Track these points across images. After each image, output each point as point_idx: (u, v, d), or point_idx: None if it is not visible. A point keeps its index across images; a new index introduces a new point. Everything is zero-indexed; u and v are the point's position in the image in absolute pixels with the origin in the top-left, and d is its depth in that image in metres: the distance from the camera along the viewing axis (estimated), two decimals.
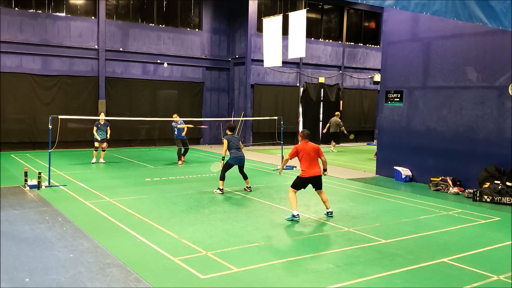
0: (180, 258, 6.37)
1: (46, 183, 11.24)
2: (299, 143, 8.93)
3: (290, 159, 8.85)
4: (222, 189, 11.05)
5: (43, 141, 18.27)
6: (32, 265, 5.97)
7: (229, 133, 11.36)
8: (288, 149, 22.39)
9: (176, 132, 15.98)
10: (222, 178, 11.08)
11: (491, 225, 8.74)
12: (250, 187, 11.38)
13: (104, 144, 15.61)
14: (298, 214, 8.61)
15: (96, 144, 15.48)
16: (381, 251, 6.94)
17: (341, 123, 21.77)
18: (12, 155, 17.07)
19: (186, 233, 7.55)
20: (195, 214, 8.92)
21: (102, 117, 15.45)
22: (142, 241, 7.12)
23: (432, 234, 7.94)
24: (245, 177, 11.36)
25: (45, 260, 6.15)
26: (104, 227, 7.91)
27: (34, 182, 10.93)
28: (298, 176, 8.84)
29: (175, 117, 16.04)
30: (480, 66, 11.78)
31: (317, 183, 8.86)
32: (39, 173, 10.96)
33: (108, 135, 15.71)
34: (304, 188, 8.89)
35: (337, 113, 22.53)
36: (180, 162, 16.04)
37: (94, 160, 15.64)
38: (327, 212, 8.95)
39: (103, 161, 15.70)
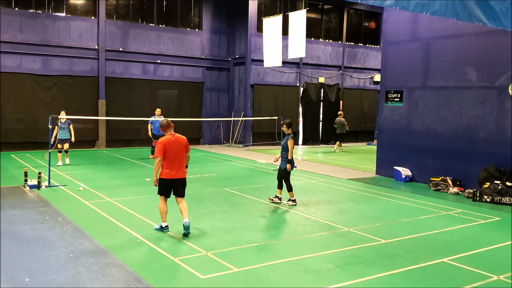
0: (180, 258, 6.38)
1: (46, 183, 11.23)
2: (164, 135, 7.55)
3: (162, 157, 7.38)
4: (295, 199, 9.95)
5: (43, 141, 18.27)
6: (32, 265, 5.96)
7: (288, 131, 9.91)
8: None
9: (152, 127, 16.53)
10: (291, 188, 9.87)
11: (491, 225, 8.74)
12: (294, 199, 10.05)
13: (66, 145, 14.53)
14: (167, 226, 7.58)
15: (59, 145, 14.35)
16: (381, 251, 6.94)
17: (345, 122, 21.76)
18: (12, 155, 17.07)
19: None
20: (195, 214, 8.91)
21: (62, 115, 14.27)
22: (142, 241, 7.12)
23: (432, 234, 7.94)
24: (286, 188, 9.97)
25: (45, 260, 6.15)
26: (104, 227, 7.91)
27: (34, 182, 10.93)
28: (160, 178, 7.47)
29: (158, 113, 16.45)
30: (480, 66, 11.78)
31: (180, 187, 7.58)
32: (39, 173, 10.96)
33: (73, 136, 14.64)
34: (169, 196, 7.56)
35: (339, 112, 22.50)
36: (152, 157, 16.71)
37: (59, 163, 14.42)
38: (184, 223, 7.41)
39: (67, 163, 14.72)
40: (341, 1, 24.88)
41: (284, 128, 10.05)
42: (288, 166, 9.67)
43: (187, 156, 7.72)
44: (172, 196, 7.59)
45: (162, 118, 16.47)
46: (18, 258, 6.22)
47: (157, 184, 7.52)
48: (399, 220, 8.90)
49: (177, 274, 5.83)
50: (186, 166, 7.73)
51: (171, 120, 7.87)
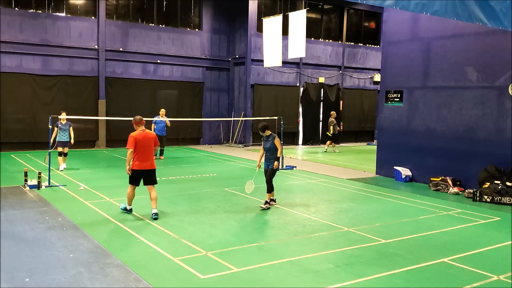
0: (180, 258, 6.38)
1: (46, 183, 11.23)
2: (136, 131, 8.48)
3: (133, 149, 8.33)
4: (274, 199, 9.90)
5: (43, 141, 18.27)
6: (32, 265, 5.97)
7: (268, 133, 9.59)
8: (288, 150, 22.40)
9: (156, 127, 16.63)
10: (272, 189, 9.73)
11: (491, 225, 8.75)
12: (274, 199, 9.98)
13: (66, 149, 13.75)
14: (131, 209, 8.67)
15: (59, 148, 13.56)
16: (381, 251, 6.94)
17: (331, 124, 21.56)
18: (12, 155, 17.07)
19: (186, 233, 7.55)
20: (195, 214, 8.92)
21: (63, 116, 13.56)
22: (142, 241, 7.12)
23: (432, 234, 7.94)
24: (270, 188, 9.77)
25: (45, 260, 6.15)
26: (104, 227, 7.91)
27: (34, 182, 10.93)
28: (132, 170, 8.43)
29: (162, 113, 16.63)
30: (480, 66, 11.78)
31: (150, 177, 8.57)
32: (39, 173, 10.96)
33: (72, 138, 13.80)
34: (138, 185, 8.54)
35: (331, 112, 22.41)
36: (161, 158, 17.12)
37: (61, 167, 13.79)
38: (153, 213, 8.42)
39: (64, 166, 13.86)
40: (341, 1, 24.88)
41: (262, 133, 9.66)
42: (276, 163, 9.46)
43: (156, 148, 8.88)
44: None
45: (166, 119, 16.55)
46: (18, 258, 6.22)
47: (130, 173, 8.48)
48: (399, 220, 8.90)
49: (177, 274, 5.83)
50: (155, 155, 9.03)
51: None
